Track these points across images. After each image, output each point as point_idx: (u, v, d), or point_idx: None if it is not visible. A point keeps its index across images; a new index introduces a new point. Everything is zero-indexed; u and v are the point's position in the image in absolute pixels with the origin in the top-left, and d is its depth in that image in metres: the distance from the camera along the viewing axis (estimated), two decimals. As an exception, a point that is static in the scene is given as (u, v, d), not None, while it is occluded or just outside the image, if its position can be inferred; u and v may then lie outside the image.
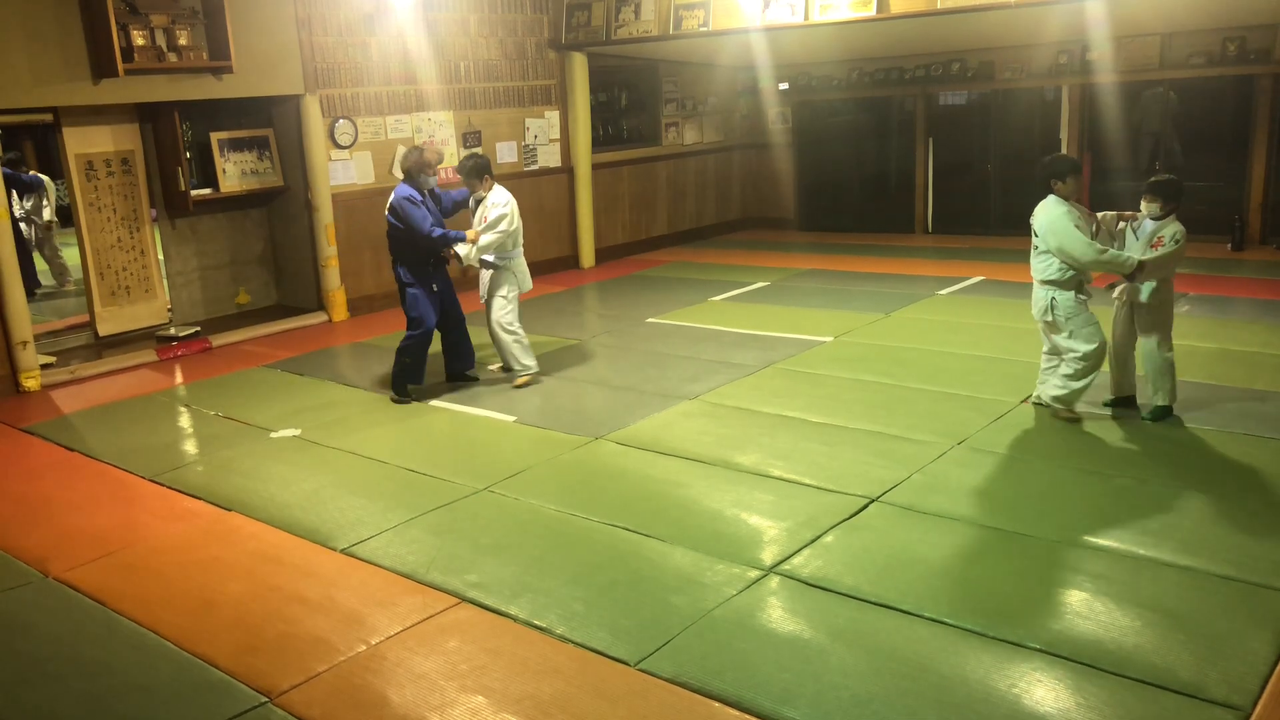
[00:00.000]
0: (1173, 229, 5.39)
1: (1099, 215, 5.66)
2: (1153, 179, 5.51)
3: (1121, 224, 5.61)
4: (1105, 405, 5.78)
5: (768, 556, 4.22)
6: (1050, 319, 5.57)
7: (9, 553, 4.71)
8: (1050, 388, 5.72)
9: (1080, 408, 5.70)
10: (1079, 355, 5.51)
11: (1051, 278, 5.50)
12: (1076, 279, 5.46)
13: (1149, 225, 5.47)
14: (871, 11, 8.81)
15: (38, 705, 3.48)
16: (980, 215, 12.55)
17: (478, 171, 6.74)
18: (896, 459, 5.22)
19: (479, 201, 6.76)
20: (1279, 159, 10.59)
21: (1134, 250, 5.46)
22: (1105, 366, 5.62)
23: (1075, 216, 5.41)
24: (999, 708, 3.14)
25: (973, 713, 3.13)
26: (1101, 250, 5.34)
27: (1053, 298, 5.51)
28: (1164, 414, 5.58)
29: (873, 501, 4.72)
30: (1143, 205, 5.50)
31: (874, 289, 9.47)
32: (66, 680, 3.61)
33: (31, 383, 7.48)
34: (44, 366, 7.69)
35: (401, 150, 9.79)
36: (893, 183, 13.28)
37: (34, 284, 11.35)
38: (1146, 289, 5.47)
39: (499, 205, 6.68)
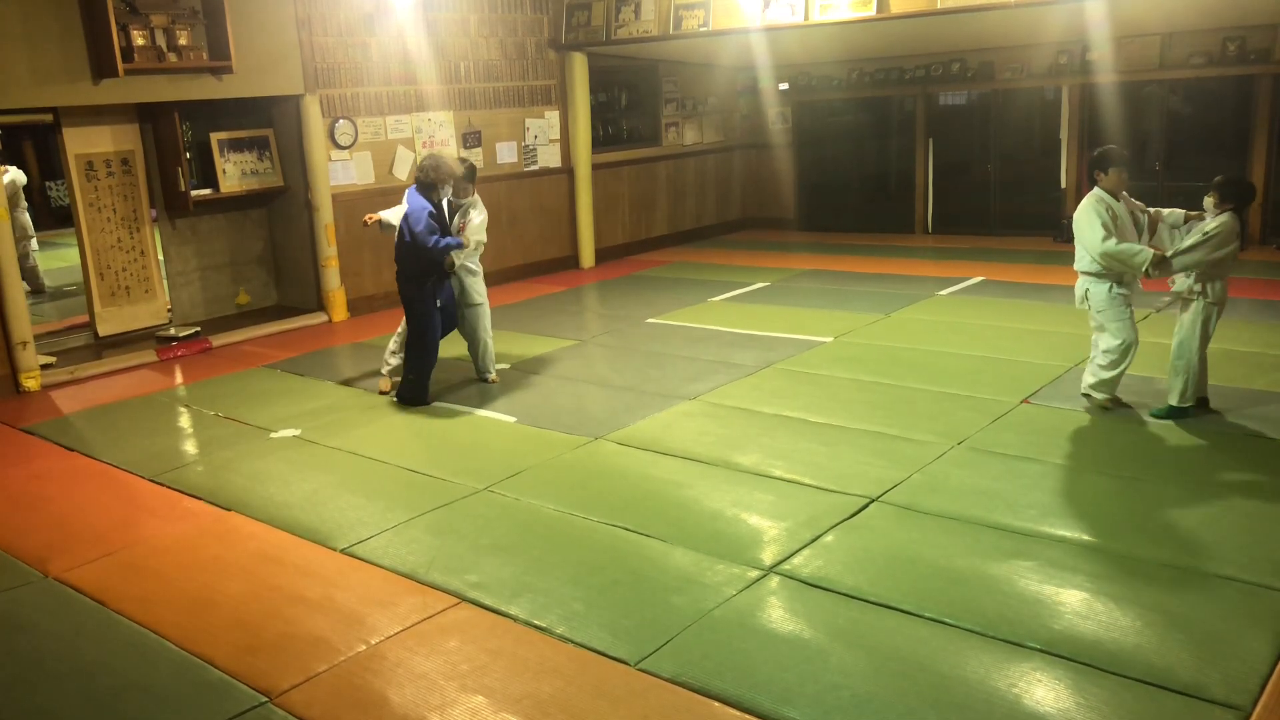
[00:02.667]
0: (1215, 221, 5.30)
1: (1157, 211, 5.63)
2: (1216, 178, 5.45)
3: (1188, 222, 5.55)
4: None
5: (768, 556, 4.22)
6: (1085, 308, 5.64)
7: (9, 553, 4.71)
8: (1086, 375, 5.78)
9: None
10: (1106, 348, 5.58)
11: (1086, 268, 5.55)
12: (1113, 272, 5.44)
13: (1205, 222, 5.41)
14: (871, 11, 8.81)
15: (38, 705, 3.48)
16: (980, 215, 12.55)
17: (471, 176, 6.75)
18: (896, 459, 5.22)
19: (459, 208, 6.68)
20: (1279, 159, 10.60)
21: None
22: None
23: (1105, 208, 5.40)
24: (999, 708, 3.14)
25: (973, 713, 3.13)
26: (1115, 245, 5.33)
27: (1087, 288, 5.57)
28: (1169, 414, 5.57)
29: (873, 501, 4.72)
30: (1204, 202, 5.49)
31: (874, 289, 9.47)
32: (66, 680, 3.61)
33: (31, 383, 7.48)
34: (44, 367, 7.69)
35: (409, 154, 9.80)
36: (893, 183, 13.29)
37: None
38: (1181, 281, 5.42)
39: (483, 209, 6.76)
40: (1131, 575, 3.93)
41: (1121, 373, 5.62)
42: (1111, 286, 5.50)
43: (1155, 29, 10.60)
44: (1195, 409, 5.61)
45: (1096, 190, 5.51)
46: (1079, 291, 5.67)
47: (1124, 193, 5.58)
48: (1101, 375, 5.66)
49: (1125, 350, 5.53)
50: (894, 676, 3.33)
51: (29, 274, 11.89)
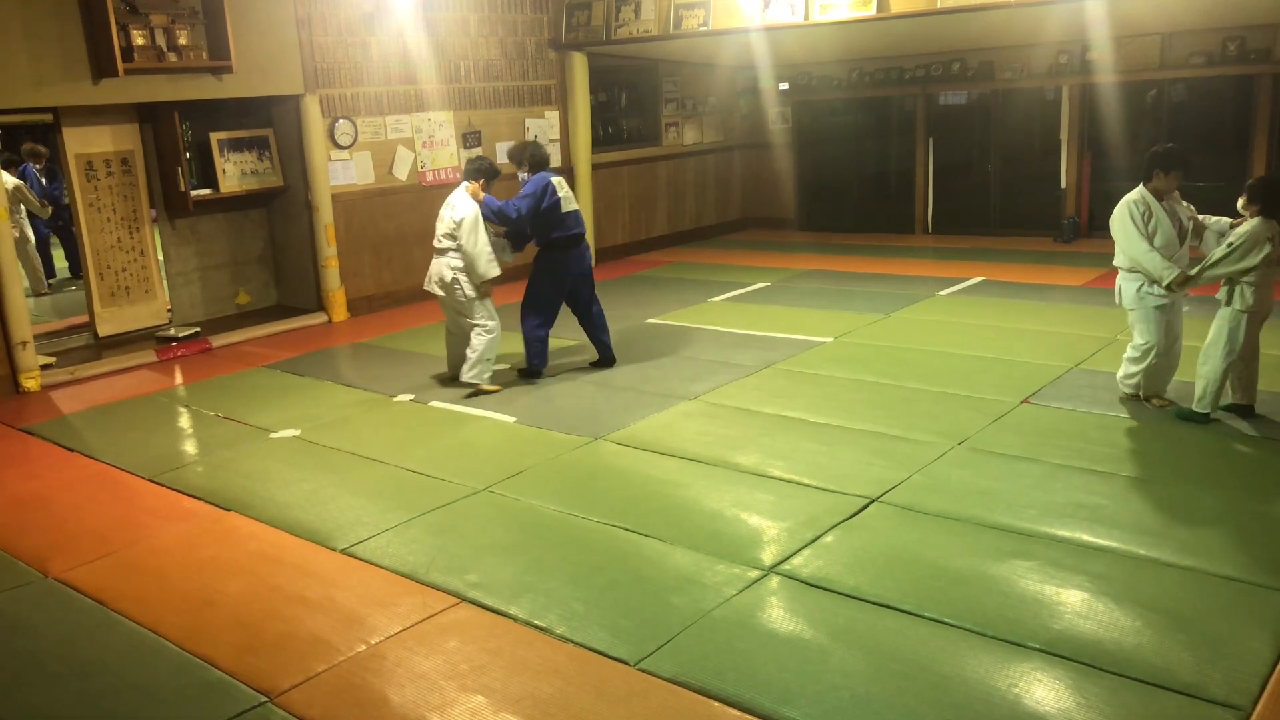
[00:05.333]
0: (1242, 228, 5.24)
1: (1205, 217, 5.59)
2: (1249, 180, 5.40)
3: (1231, 229, 5.43)
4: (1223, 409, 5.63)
5: (768, 556, 4.22)
6: (1119, 303, 5.70)
7: (9, 553, 4.71)
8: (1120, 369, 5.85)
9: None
10: (1133, 344, 5.65)
11: (1120, 265, 5.57)
12: (1138, 276, 5.45)
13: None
14: (871, 11, 8.81)
15: (38, 705, 3.48)
16: (980, 215, 12.55)
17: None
18: (896, 459, 5.22)
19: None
20: (1279, 159, 10.60)
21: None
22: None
23: (1142, 210, 5.39)
24: (999, 708, 3.14)
25: (973, 713, 3.13)
26: (1146, 251, 5.36)
27: (1120, 285, 5.60)
28: (1184, 416, 5.54)
29: (873, 501, 4.72)
30: (1238, 203, 5.43)
31: (874, 289, 9.47)
32: (66, 680, 3.61)
33: (31, 383, 7.47)
34: (44, 367, 7.69)
35: (409, 154, 9.80)
36: (893, 183, 13.29)
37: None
38: (1224, 291, 5.37)
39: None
40: (1131, 575, 3.93)
41: (1148, 369, 5.62)
42: (1141, 286, 5.50)
43: (1155, 29, 10.60)
44: (1242, 413, 5.53)
45: (1139, 189, 5.46)
46: (1116, 287, 5.72)
47: (1176, 194, 5.51)
48: (1129, 369, 5.73)
49: (1147, 350, 5.57)
50: (894, 677, 3.34)
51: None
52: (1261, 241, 5.18)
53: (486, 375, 6.73)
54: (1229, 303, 5.35)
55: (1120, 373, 5.87)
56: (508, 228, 6.80)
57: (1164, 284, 5.35)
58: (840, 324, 8.15)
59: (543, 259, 6.84)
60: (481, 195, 6.64)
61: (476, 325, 6.66)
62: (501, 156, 10.75)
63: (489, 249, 6.55)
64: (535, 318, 6.88)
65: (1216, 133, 11.24)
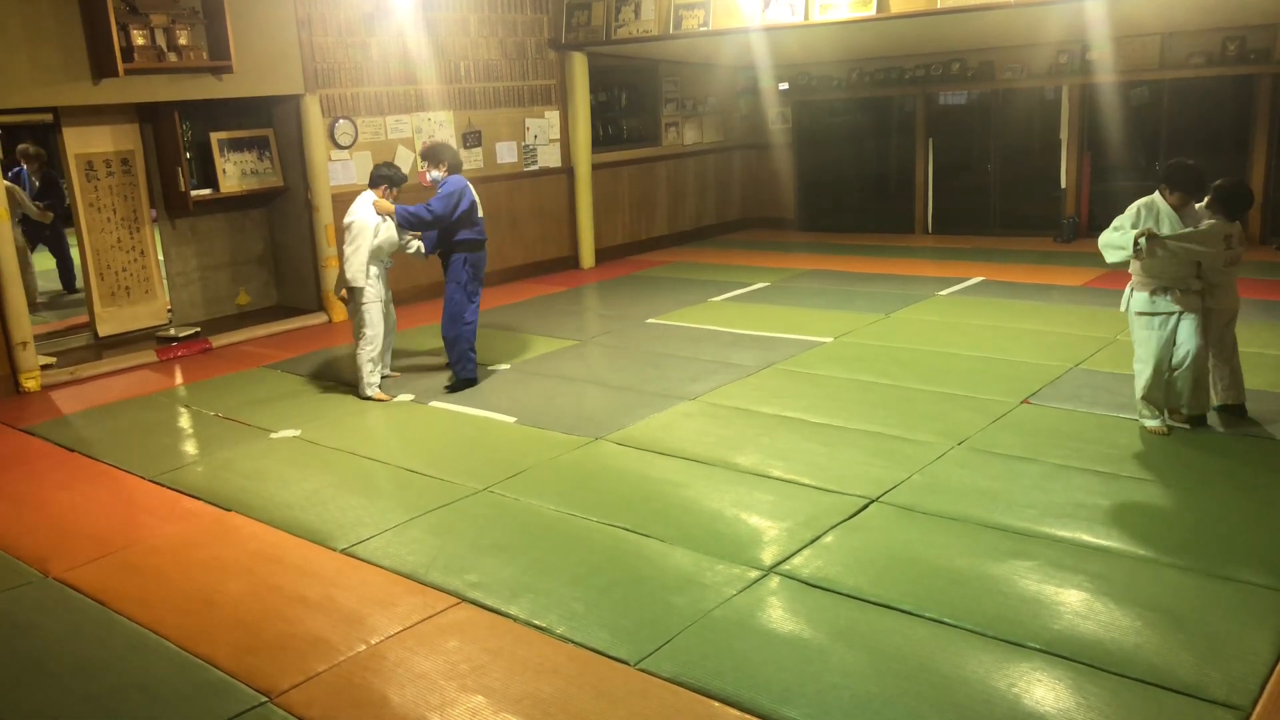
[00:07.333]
0: (1206, 222, 5.25)
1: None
2: (1214, 183, 5.37)
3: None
4: (1215, 409, 5.59)
5: (768, 556, 4.22)
6: (1124, 310, 5.57)
7: (9, 553, 4.71)
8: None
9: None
10: (1136, 356, 5.48)
11: (1131, 271, 5.51)
12: (1153, 281, 5.33)
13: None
14: (871, 11, 8.81)
15: (38, 705, 3.48)
16: (980, 215, 12.56)
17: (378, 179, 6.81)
18: (896, 459, 5.22)
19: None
20: (1279, 159, 10.60)
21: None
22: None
23: (1149, 213, 5.32)
24: (999, 708, 3.15)
25: (973, 713, 3.13)
26: (1112, 229, 5.31)
27: (1131, 289, 5.51)
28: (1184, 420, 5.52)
29: (873, 501, 4.72)
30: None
31: (874, 289, 9.47)
32: (66, 680, 3.61)
33: (31, 383, 7.47)
34: (44, 367, 7.69)
35: (409, 154, 9.80)
36: (893, 183, 13.29)
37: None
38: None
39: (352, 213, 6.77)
40: (1131, 575, 3.93)
41: (1148, 387, 5.41)
42: (1150, 295, 5.34)
43: (1155, 29, 10.60)
44: (1234, 413, 5.52)
45: (1155, 195, 5.37)
46: (1124, 295, 5.57)
47: (1195, 210, 5.36)
48: (1137, 392, 5.48)
49: (1145, 359, 5.38)
50: (894, 677, 3.34)
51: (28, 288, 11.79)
52: (1219, 238, 5.23)
53: (373, 382, 6.77)
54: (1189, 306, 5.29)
55: (1139, 394, 5.50)
56: (424, 230, 6.68)
57: (1132, 243, 5.20)
58: (840, 324, 8.15)
59: (459, 262, 6.72)
60: (390, 205, 6.61)
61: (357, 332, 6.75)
62: (503, 156, 10.80)
63: (364, 259, 6.53)
64: (470, 324, 6.82)
65: (1216, 133, 11.24)
